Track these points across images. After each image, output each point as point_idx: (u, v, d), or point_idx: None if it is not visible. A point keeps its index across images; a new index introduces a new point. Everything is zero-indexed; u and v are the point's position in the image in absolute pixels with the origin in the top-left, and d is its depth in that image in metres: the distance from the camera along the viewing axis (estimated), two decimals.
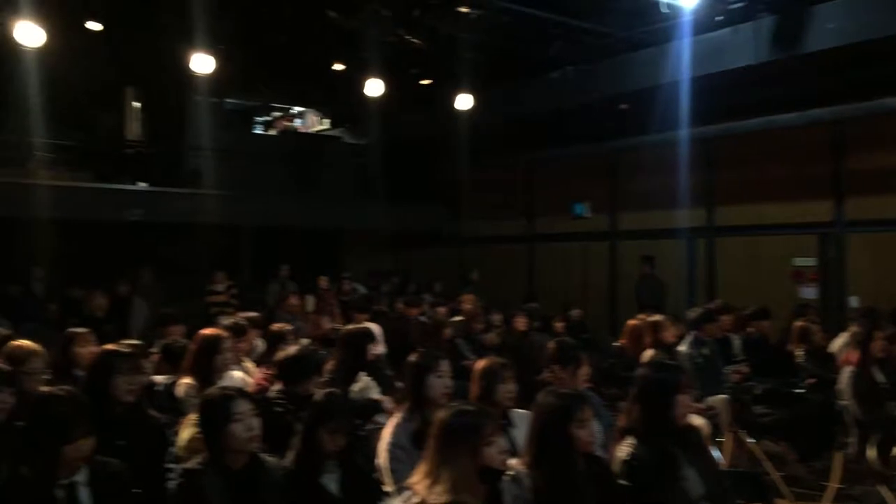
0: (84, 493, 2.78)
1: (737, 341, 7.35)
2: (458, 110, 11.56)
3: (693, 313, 7.34)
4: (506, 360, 4.09)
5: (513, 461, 2.81)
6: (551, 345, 4.84)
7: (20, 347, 4.37)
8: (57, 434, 2.72)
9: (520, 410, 3.95)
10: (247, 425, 3.01)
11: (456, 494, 2.45)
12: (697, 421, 5.12)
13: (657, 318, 6.88)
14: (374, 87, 10.93)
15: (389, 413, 5.22)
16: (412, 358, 3.97)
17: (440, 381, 3.78)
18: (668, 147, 10.85)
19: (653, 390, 3.41)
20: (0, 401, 3.31)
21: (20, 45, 8.50)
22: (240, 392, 3.22)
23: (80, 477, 2.79)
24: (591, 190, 13.21)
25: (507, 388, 3.94)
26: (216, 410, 3.05)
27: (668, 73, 9.75)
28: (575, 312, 10.54)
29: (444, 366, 3.87)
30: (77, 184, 12.04)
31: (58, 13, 8.72)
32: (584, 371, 4.63)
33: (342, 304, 10.79)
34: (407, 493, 2.58)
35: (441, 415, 2.65)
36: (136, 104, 13.87)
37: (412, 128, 13.67)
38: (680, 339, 6.90)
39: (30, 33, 8.28)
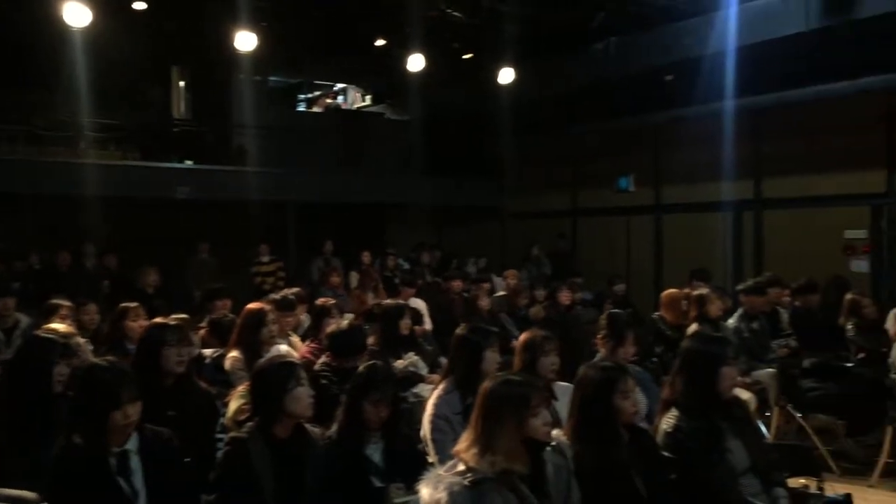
0: (135, 461, 2.84)
1: (785, 315, 7.22)
2: (500, 84, 11.49)
3: (742, 287, 7.23)
4: (548, 333, 4.11)
5: (556, 433, 2.81)
6: (603, 318, 4.86)
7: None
8: (104, 401, 2.77)
9: (562, 383, 3.98)
10: (301, 394, 3.08)
11: (507, 463, 2.46)
12: (744, 395, 5.09)
13: (703, 291, 6.81)
14: (416, 63, 10.91)
15: (433, 386, 5.32)
16: (463, 332, 3.99)
17: (493, 356, 3.82)
18: (714, 118, 10.57)
19: (698, 362, 3.39)
20: (58, 373, 3.40)
21: (68, 26, 8.64)
22: (295, 363, 3.27)
23: (131, 445, 2.85)
24: (636, 163, 13.03)
25: (551, 361, 3.98)
26: (272, 379, 3.11)
27: (714, 42, 9.54)
28: (619, 287, 10.42)
29: (495, 340, 3.92)
30: (126, 162, 12.29)
31: None
32: (630, 345, 4.64)
33: (385, 280, 10.83)
34: (452, 462, 2.59)
35: (487, 384, 2.65)
36: (182, 83, 14.05)
37: (455, 103, 13.59)
38: (726, 313, 6.82)
39: (77, 14, 8.41)
